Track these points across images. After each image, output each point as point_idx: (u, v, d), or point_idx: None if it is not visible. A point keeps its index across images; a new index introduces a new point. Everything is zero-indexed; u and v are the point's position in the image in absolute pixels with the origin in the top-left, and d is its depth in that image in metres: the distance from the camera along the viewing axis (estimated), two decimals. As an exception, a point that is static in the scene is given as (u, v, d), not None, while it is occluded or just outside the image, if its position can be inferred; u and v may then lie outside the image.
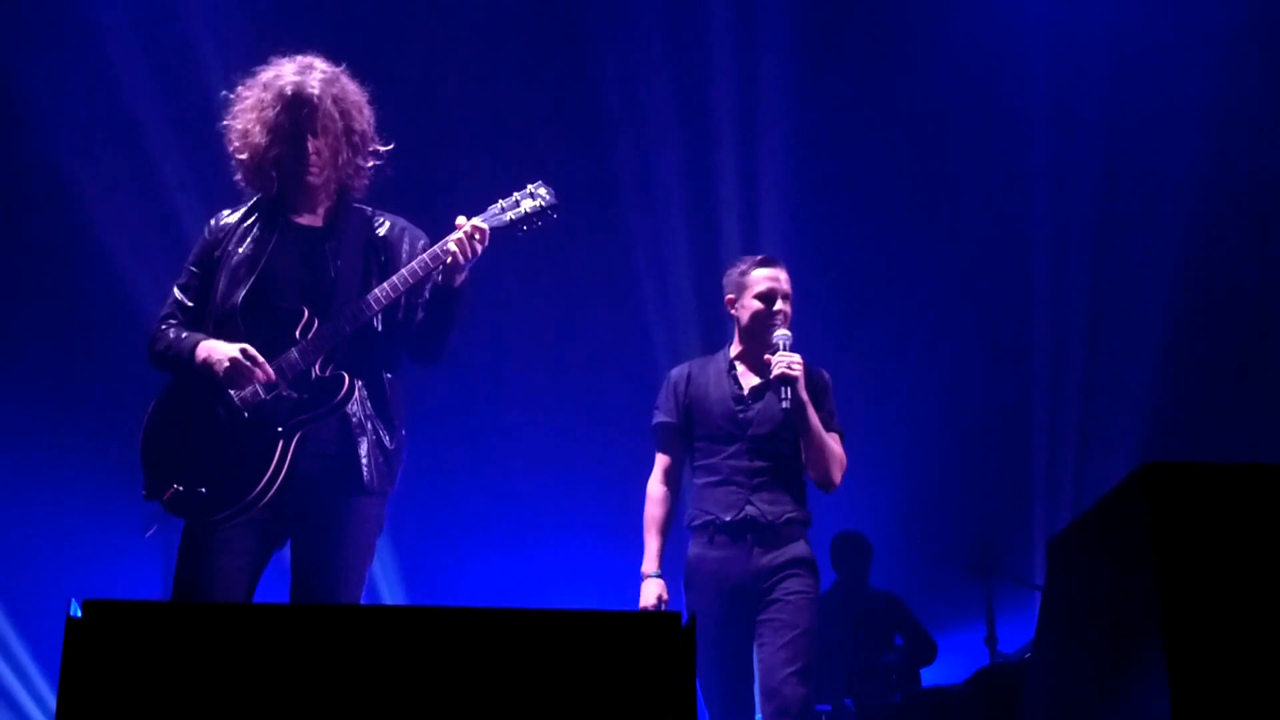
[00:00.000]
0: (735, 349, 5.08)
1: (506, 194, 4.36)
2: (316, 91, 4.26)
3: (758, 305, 4.97)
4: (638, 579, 4.93)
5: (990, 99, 8.78)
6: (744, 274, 5.05)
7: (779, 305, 4.95)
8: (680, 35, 8.55)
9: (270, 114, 4.24)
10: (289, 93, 4.24)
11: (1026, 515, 8.79)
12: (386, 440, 4.26)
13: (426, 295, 4.31)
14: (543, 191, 4.37)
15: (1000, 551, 7.95)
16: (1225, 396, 8.57)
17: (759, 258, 5.11)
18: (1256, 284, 8.44)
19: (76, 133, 7.70)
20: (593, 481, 8.12)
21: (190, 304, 4.33)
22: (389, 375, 4.34)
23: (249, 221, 4.37)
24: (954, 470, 8.82)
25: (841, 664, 7.66)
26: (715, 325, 8.59)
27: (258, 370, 4.10)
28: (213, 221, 4.45)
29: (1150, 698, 2.49)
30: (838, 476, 4.97)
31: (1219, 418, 8.46)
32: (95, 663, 2.44)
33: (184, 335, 4.24)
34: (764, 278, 5.00)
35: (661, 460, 5.06)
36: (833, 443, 4.94)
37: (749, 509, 4.82)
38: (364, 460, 4.18)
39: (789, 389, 4.74)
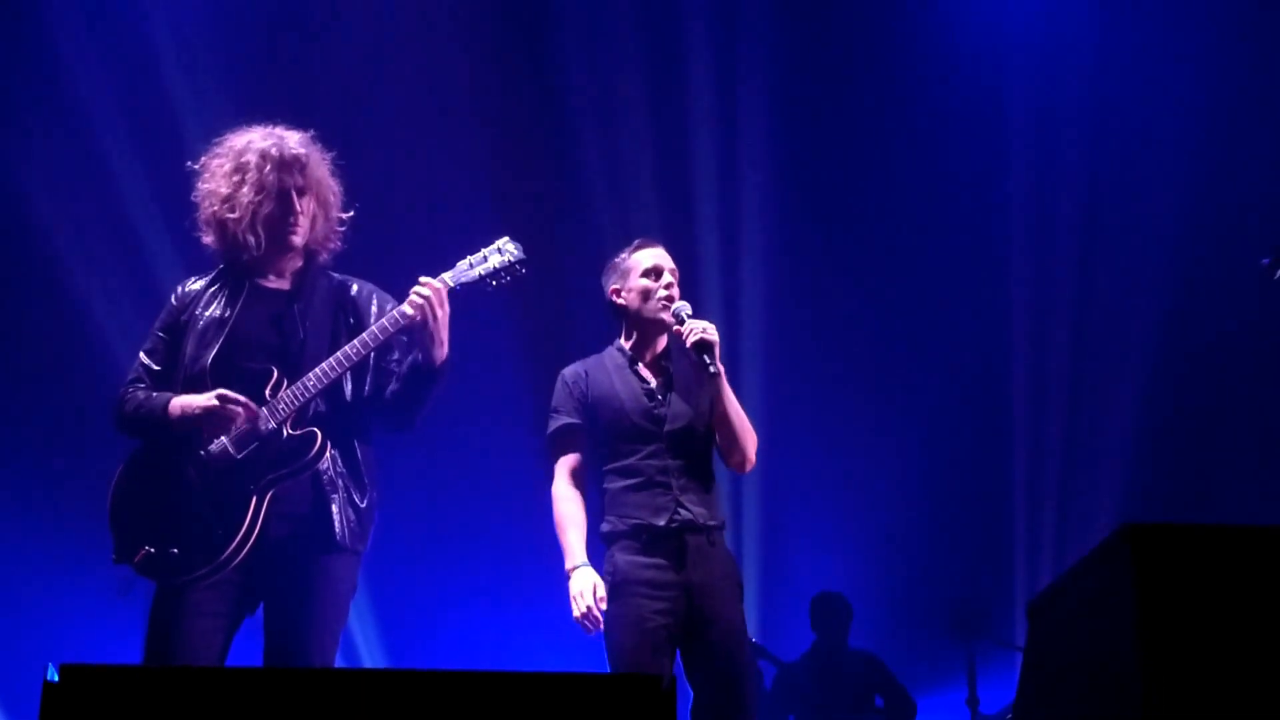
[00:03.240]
0: (627, 342, 4.77)
1: (474, 250, 4.38)
2: (303, 151, 4.33)
3: (646, 282, 4.69)
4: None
5: (966, 163, 8.84)
6: (624, 260, 4.77)
7: (668, 279, 4.69)
8: (659, 86, 8.60)
9: (258, 175, 4.26)
10: (276, 154, 4.29)
11: (1007, 576, 8.77)
12: (358, 499, 4.26)
13: (398, 359, 4.33)
14: (511, 247, 4.37)
15: (981, 612, 7.93)
16: (1206, 457, 8.59)
17: (637, 241, 4.83)
18: (1237, 345, 8.47)
19: (52, 195, 7.70)
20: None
21: (157, 368, 4.33)
22: (360, 435, 4.35)
23: (216, 286, 4.39)
24: (934, 531, 8.81)
25: (822, 726, 7.64)
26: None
27: (239, 410, 4.10)
28: (179, 288, 4.46)
29: (1133, 760, 2.48)
30: (753, 452, 4.68)
31: (1200, 479, 8.47)
32: (71, 727, 2.42)
33: (153, 395, 4.24)
34: (648, 256, 4.74)
35: (567, 463, 4.67)
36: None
37: (683, 512, 4.50)
38: (336, 518, 4.17)
39: (710, 353, 4.50)
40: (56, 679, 2.43)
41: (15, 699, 7.29)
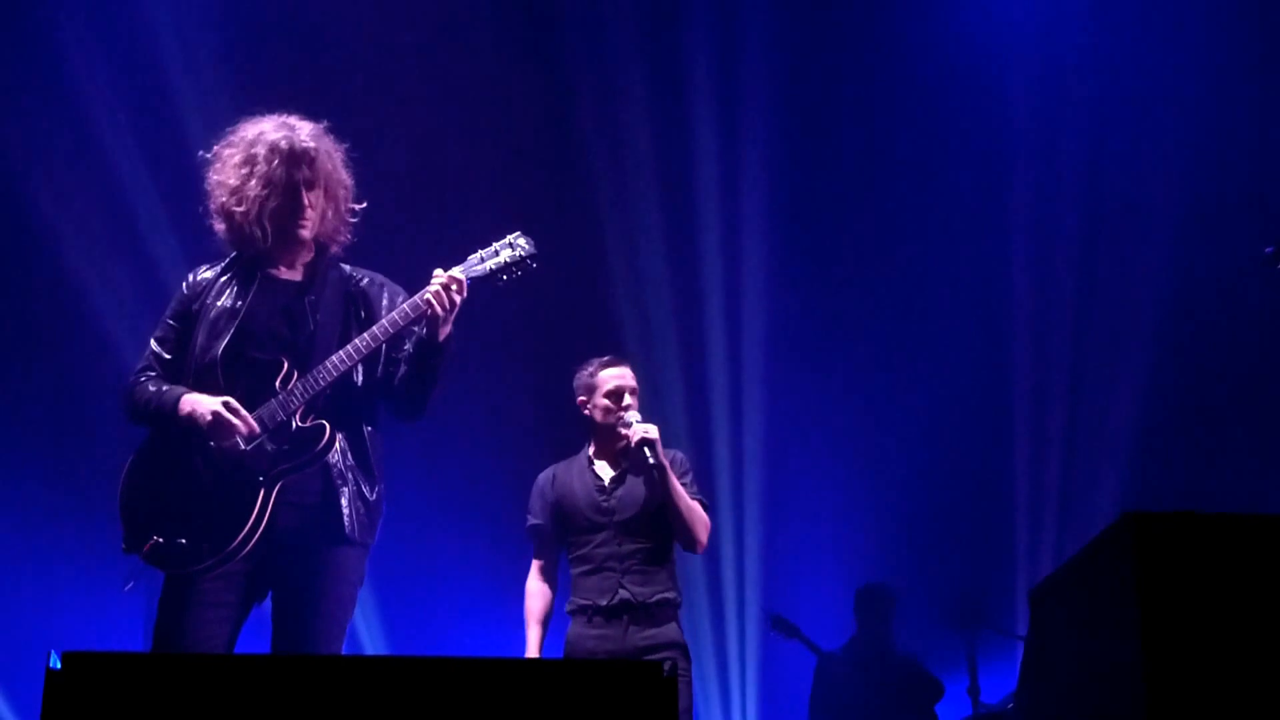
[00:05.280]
0: (590, 445, 5.35)
1: (485, 244, 4.37)
2: (313, 145, 4.30)
3: (607, 403, 5.24)
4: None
5: (968, 160, 8.85)
6: (592, 375, 5.32)
7: (627, 400, 5.23)
8: (663, 85, 8.61)
9: (266, 168, 4.24)
10: (285, 146, 4.26)
11: (1009, 565, 8.78)
12: (367, 491, 4.26)
13: (409, 350, 4.31)
14: (522, 241, 4.37)
15: (983, 601, 7.93)
16: (1207, 447, 8.59)
17: (605, 359, 5.37)
18: (1238, 335, 8.47)
19: (56, 190, 7.70)
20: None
21: (168, 357, 4.32)
22: (369, 428, 4.34)
23: (227, 276, 4.37)
24: (936, 520, 8.82)
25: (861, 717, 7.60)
26: (694, 374, 8.63)
27: (239, 424, 4.09)
28: (191, 277, 4.44)
29: (1134, 747, 2.48)
30: (703, 536, 5.21)
31: (1201, 468, 8.47)
32: (75, 715, 2.42)
33: (165, 389, 4.22)
34: (611, 377, 5.28)
35: (536, 561, 5.33)
36: (695, 504, 5.18)
37: (622, 592, 5.04)
38: (345, 511, 4.17)
39: (651, 448, 4.99)
40: (59, 667, 2.43)
41: (18, 687, 7.31)
